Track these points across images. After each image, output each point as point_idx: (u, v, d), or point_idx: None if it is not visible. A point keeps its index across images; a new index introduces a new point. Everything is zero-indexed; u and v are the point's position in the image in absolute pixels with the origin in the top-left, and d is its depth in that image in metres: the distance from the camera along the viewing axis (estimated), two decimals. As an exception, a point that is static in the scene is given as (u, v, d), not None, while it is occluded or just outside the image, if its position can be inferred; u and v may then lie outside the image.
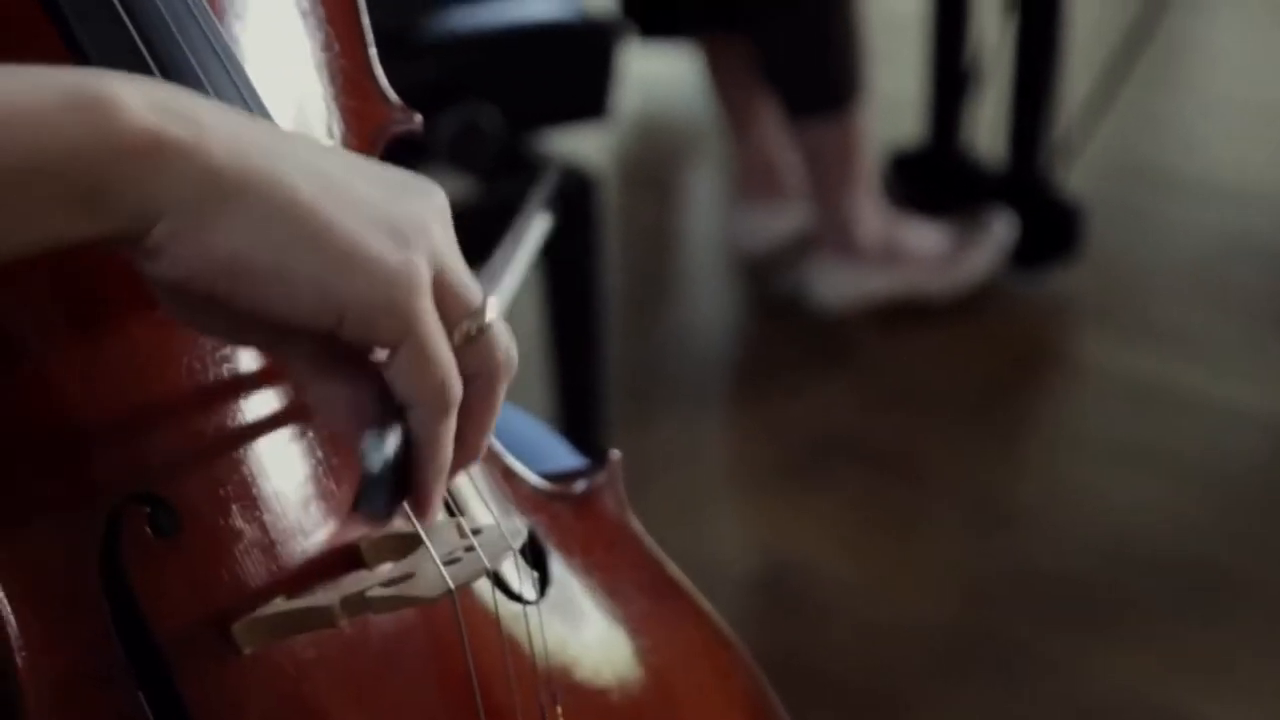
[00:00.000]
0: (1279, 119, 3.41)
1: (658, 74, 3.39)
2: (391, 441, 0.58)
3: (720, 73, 2.79)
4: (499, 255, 0.74)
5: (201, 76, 0.61)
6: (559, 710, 0.73)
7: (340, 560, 0.66)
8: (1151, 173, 3.18)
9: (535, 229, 0.75)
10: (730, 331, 2.71)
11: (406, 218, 0.57)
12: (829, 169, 2.59)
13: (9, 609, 0.59)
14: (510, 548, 0.68)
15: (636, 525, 0.82)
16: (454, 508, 0.70)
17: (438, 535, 0.66)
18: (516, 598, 0.73)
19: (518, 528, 0.71)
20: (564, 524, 0.78)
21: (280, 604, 0.63)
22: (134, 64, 0.59)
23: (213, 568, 0.63)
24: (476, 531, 0.67)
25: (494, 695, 0.70)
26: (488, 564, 0.66)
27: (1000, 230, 2.65)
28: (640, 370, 2.49)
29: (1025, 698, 1.81)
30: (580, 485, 0.81)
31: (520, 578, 0.73)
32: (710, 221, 3.09)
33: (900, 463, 2.25)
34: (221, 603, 0.63)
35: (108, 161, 0.52)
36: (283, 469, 0.65)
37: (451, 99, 1.79)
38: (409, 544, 0.66)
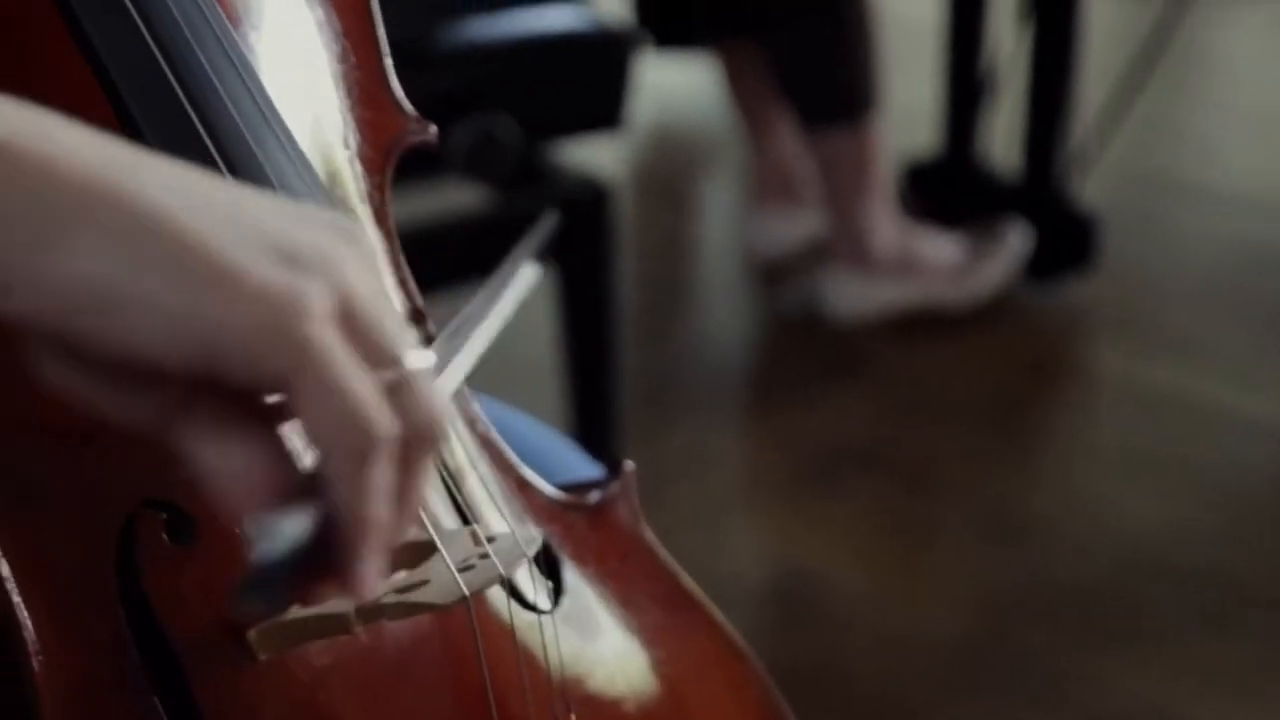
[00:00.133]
0: (1295, 129, 3.42)
1: (673, 84, 3.39)
2: (296, 522, 0.49)
3: (737, 81, 2.80)
4: (473, 306, 0.67)
5: (216, 84, 0.61)
6: None
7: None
8: (1167, 183, 3.17)
9: (519, 281, 0.69)
10: (745, 341, 2.71)
11: (308, 245, 0.50)
12: (844, 179, 2.58)
13: (26, 614, 0.59)
14: (525, 555, 0.68)
15: (650, 536, 0.82)
16: (469, 515, 0.71)
17: (452, 542, 0.66)
18: (531, 607, 0.73)
19: (532, 535, 0.72)
20: (578, 534, 0.79)
21: (296, 611, 0.63)
22: (150, 72, 0.59)
23: (229, 575, 0.63)
24: (491, 539, 0.68)
25: (509, 705, 0.70)
26: (502, 570, 0.66)
27: (1015, 241, 2.64)
28: (655, 379, 2.49)
29: (1039, 708, 1.80)
30: (594, 496, 0.81)
31: (535, 587, 0.74)
32: (725, 231, 3.09)
33: (914, 473, 2.25)
34: (237, 610, 0.63)
35: None
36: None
37: (467, 109, 1.79)
38: (424, 551, 0.66)
